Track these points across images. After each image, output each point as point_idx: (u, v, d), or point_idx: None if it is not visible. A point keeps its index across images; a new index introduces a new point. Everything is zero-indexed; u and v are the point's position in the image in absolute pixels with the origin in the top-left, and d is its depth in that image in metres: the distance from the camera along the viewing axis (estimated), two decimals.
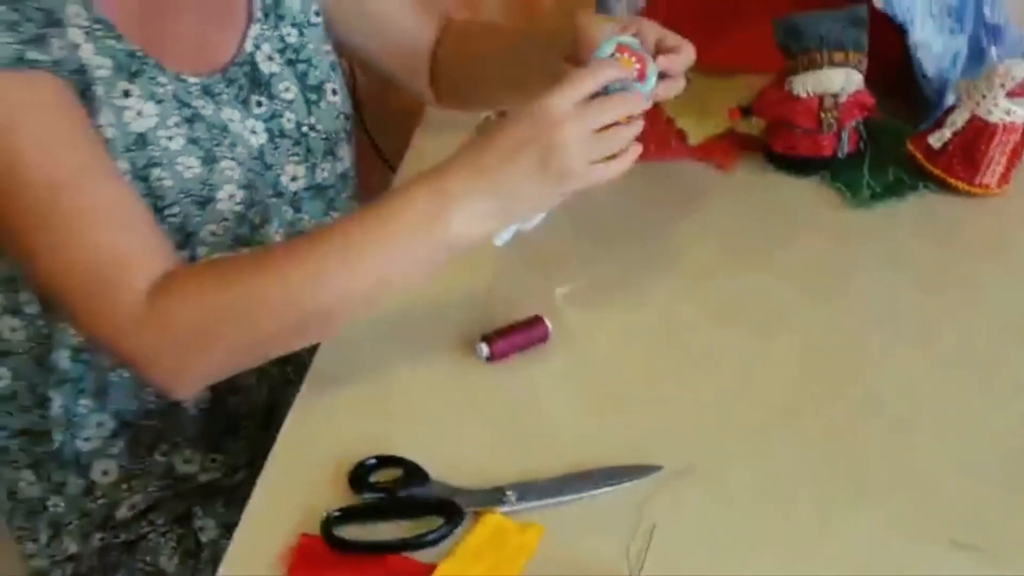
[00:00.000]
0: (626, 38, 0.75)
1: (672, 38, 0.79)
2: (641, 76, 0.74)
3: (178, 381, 0.72)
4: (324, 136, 0.90)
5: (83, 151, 0.72)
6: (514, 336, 0.77)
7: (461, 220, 0.69)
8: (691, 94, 1.13)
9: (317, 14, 0.91)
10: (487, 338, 0.76)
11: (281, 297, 0.69)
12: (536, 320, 0.78)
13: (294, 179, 0.88)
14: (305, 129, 0.88)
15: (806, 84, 0.94)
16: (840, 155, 0.97)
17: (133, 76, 0.76)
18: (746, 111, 1.00)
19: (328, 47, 0.93)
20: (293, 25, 0.89)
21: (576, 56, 0.79)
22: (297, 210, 0.89)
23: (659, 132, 1.06)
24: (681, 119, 1.08)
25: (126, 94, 0.76)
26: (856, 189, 0.95)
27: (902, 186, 0.96)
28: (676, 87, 0.80)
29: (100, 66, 0.74)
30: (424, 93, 1.02)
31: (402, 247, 0.69)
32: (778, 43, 0.96)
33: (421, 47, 1.00)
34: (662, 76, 0.77)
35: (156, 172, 0.77)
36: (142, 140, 0.76)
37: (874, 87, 0.97)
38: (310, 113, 0.89)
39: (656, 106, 1.09)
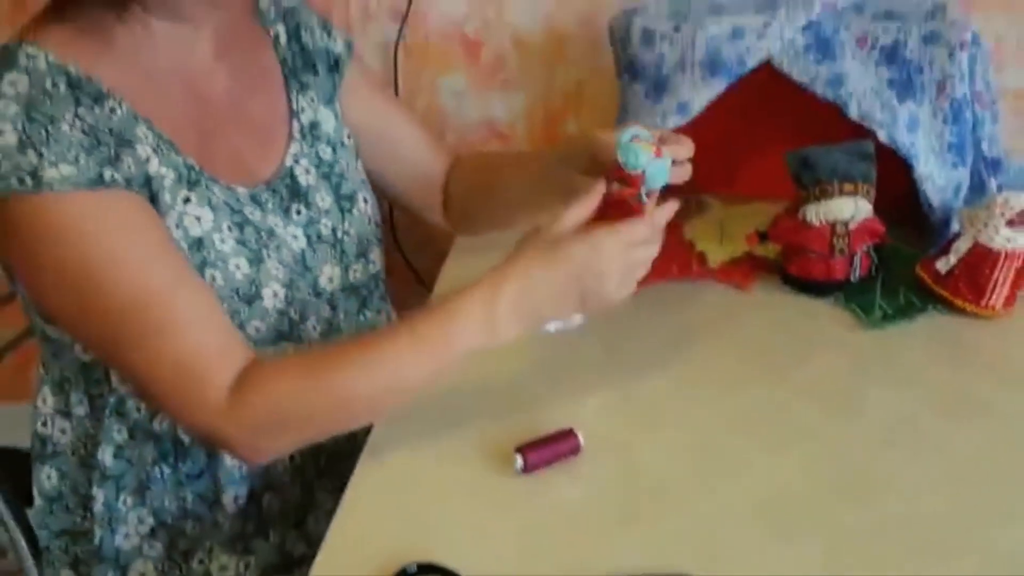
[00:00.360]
0: (640, 130, 0.84)
1: (671, 135, 0.91)
2: (658, 153, 0.83)
3: (257, 457, 0.85)
4: (356, 240, 0.98)
5: (169, 261, 0.81)
6: (548, 448, 0.81)
7: (504, 332, 0.81)
8: (712, 220, 1.21)
9: (348, 137, 1.01)
10: (522, 450, 0.81)
11: (360, 392, 0.81)
12: (569, 433, 0.82)
13: (331, 280, 0.95)
14: (340, 234, 0.96)
15: (818, 212, 1.01)
16: (853, 279, 1.03)
17: (192, 186, 0.85)
18: (763, 236, 1.06)
19: (359, 164, 1.02)
20: (328, 144, 0.99)
21: (593, 167, 0.88)
22: (333, 308, 0.96)
23: (682, 255, 1.13)
24: (702, 243, 1.15)
25: (186, 201, 0.84)
26: (868, 310, 1.01)
27: (912, 308, 1.01)
28: (685, 173, 0.92)
29: (165, 176, 0.83)
30: (439, 221, 1.11)
31: (456, 349, 0.80)
32: (791, 174, 1.03)
33: (434, 179, 1.09)
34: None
35: (210, 272, 0.85)
36: (199, 243, 0.85)
37: (885, 215, 1.04)
38: (344, 220, 0.97)
39: (679, 230, 1.17)
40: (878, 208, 1.04)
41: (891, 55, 1.03)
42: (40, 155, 0.75)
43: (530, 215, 0.99)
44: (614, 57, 1.16)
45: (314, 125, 0.98)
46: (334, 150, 0.99)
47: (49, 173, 0.75)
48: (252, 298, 0.87)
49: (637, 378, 0.93)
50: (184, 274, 0.82)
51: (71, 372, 0.91)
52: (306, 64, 0.99)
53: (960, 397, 0.89)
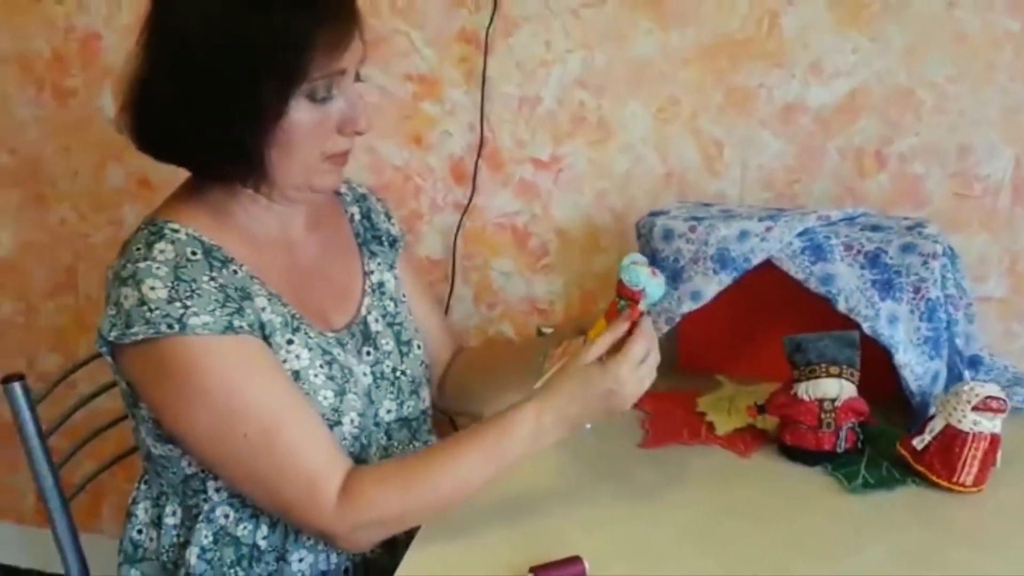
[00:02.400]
0: (638, 256, 1.08)
1: None
2: (654, 273, 1.06)
3: (357, 549, 1.05)
4: (411, 379, 1.17)
5: (284, 390, 1.00)
6: (557, 571, 0.95)
7: (547, 440, 1.02)
8: (723, 396, 1.37)
9: (404, 296, 1.23)
10: (535, 570, 0.94)
11: (441, 493, 1.00)
12: (576, 560, 0.96)
13: (388, 412, 1.14)
14: (398, 373, 1.16)
15: (808, 390, 1.16)
16: (839, 450, 1.16)
17: (294, 331, 1.05)
18: (761, 409, 1.21)
19: (410, 318, 1.23)
20: (390, 299, 1.20)
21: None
22: (389, 438, 1.15)
23: (693, 423, 1.28)
24: (711, 414, 1.30)
25: (289, 342, 1.04)
26: (852, 478, 1.13)
27: (892, 480, 1.13)
28: None
29: (274, 322, 1.03)
30: (432, 397, 1.28)
31: (511, 456, 1.01)
32: (786, 356, 1.19)
33: (439, 359, 1.31)
34: None
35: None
36: (297, 375, 1.04)
37: (878, 395, 1.18)
38: (402, 361, 1.17)
39: (693, 403, 1.33)
40: (873, 389, 1.18)
41: (874, 260, 1.20)
42: (185, 307, 0.96)
43: (517, 392, 1.17)
44: (639, 249, 1.36)
45: (380, 284, 1.20)
46: (395, 304, 1.20)
47: (192, 320, 0.96)
48: (334, 424, 1.05)
49: (641, 520, 1.07)
50: (300, 400, 1.01)
51: (170, 486, 1.09)
52: (375, 238, 1.23)
53: (930, 559, 1.00)
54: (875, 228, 1.26)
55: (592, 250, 1.58)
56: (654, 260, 1.31)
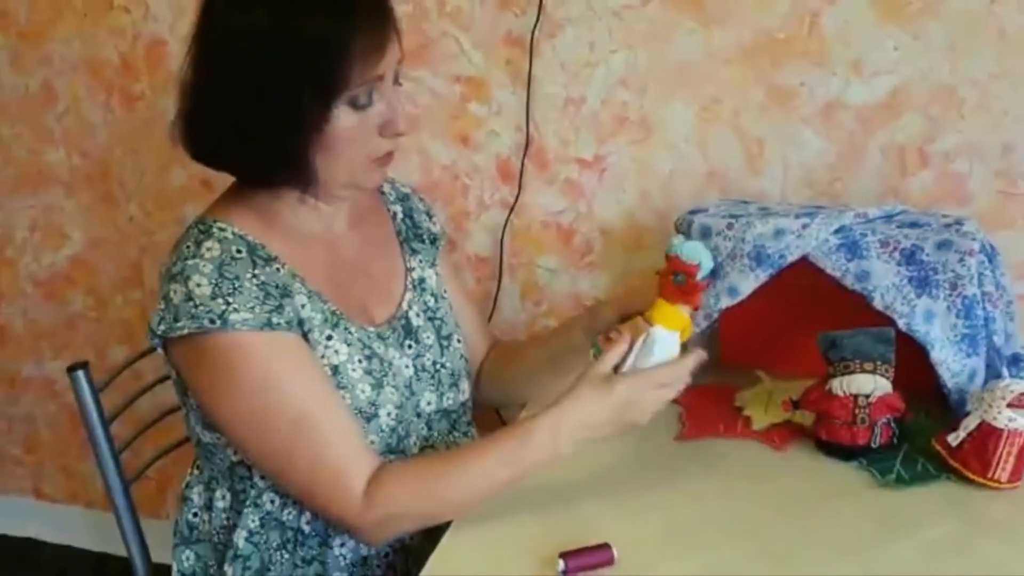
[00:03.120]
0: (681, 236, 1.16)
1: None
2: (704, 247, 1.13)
3: (380, 543, 1.10)
4: (451, 372, 1.22)
5: (317, 386, 1.05)
6: (586, 557, 0.98)
7: (564, 449, 1.05)
8: (762, 391, 1.38)
9: (445, 292, 1.28)
10: (564, 555, 0.98)
11: (459, 494, 1.03)
12: (605, 547, 0.99)
13: (429, 403, 1.18)
14: (438, 366, 1.20)
15: (842, 385, 1.17)
16: (874, 445, 1.17)
17: (334, 326, 1.10)
18: (796, 404, 1.23)
19: (450, 312, 1.27)
20: (431, 295, 1.24)
21: (592, 325, 1.23)
22: (430, 428, 1.19)
23: (730, 417, 1.30)
24: (748, 408, 1.32)
25: (329, 338, 1.09)
26: (886, 473, 1.14)
27: (927, 475, 1.14)
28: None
29: (314, 319, 1.08)
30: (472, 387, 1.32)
31: (528, 462, 1.04)
32: (820, 352, 1.21)
33: (476, 353, 1.34)
34: None
35: (342, 393, 1.08)
36: (335, 369, 1.08)
37: (913, 391, 1.19)
38: (442, 354, 1.21)
39: (731, 397, 1.35)
40: (911, 385, 1.19)
41: (910, 257, 1.21)
42: (227, 303, 1.01)
43: (548, 377, 1.28)
44: None
45: (421, 280, 1.24)
46: (436, 300, 1.24)
47: (233, 317, 1.01)
48: (371, 417, 1.10)
49: (673, 509, 1.09)
50: (333, 396, 1.06)
51: (219, 472, 1.15)
52: (416, 236, 1.27)
53: (964, 555, 1.01)
54: (912, 225, 1.26)
55: (635, 248, 1.61)
56: None
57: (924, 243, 1.21)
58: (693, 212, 1.37)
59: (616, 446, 1.24)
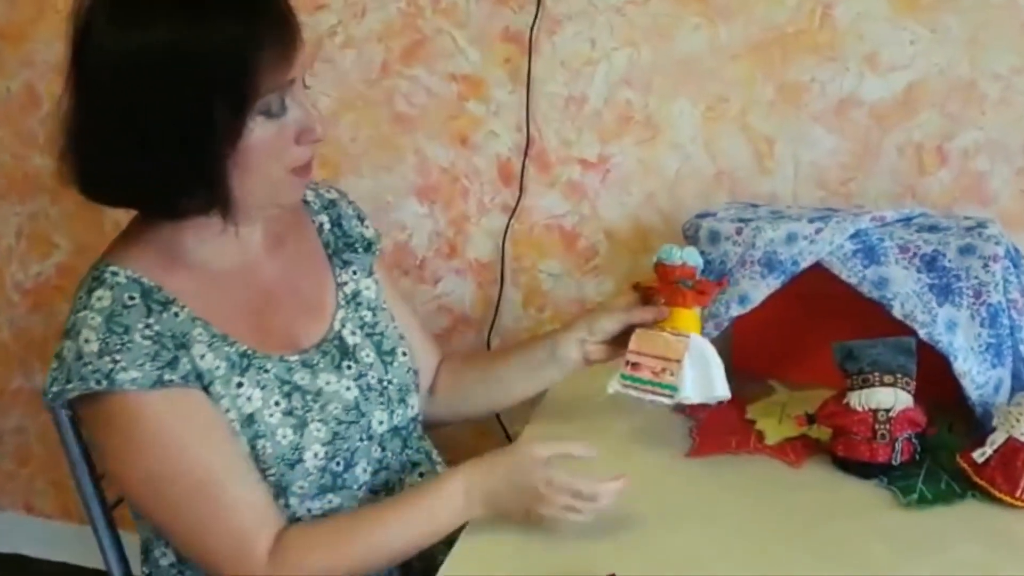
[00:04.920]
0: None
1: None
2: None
3: None
4: (398, 387, 1.15)
5: (219, 447, 0.99)
6: None
7: (476, 513, 1.01)
8: (775, 403, 1.33)
9: (385, 303, 1.20)
10: None
11: (371, 557, 1.00)
12: None
13: (380, 423, 1.12)
14: (385, 383, 1.13)
15: (860, 399, 1.12)
16: (895, 462, 1.12)
17: (243, 371, 1.02)
18: (811, 418, 1.17)
19: (395, 324, 1.20)
20: (368, 309, 1.17)
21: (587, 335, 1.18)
22: (383, 448, 1.13)
23: (742, 431, 1.25)
24: (762, 422, 1.26)
25: (239, 385, 1.02)
26: (908, 492, 1.09)
27: (952, 494, 1.08)
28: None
29: (217, 368, 1.01)
30: (421, 401, 1.23)
31: (439, 524, 1.01)
32: (836, 363, 1.15)
33: (424, 366, 1.25)
34: None
35: (261, 443, 1.02)
36: (250, 418, 1.02)
37: (935, 404, 1.13)
38: (387, 371, 1.14)
39: (742, 409, 1.29)
40: (934, 397, 1.13)
41: (931, 263, 1.15)
42: (115, 361, 0.94)
43: (525, 389, 1.23)
44: None
45: (356, 294, 1.17)
46: (374, 313, 1.17)
47: (120, 376, 0.94)
48: (295, 462, 1.03)
49: (684, 534, 1.04)
50: (235, 457, 1.00)
51: (152, 531, 1.09)
52: (348, 245, 1.19)
53: None
54: (932, 229, 1.21)
55: (641, 251, 1.55)
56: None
57: (946, 248, 1.15)
58: (701, 216, 1.31)
59: (624, 465, 1.18)
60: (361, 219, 1.24)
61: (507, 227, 1.59)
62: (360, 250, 1.21)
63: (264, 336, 1.06)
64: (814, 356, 1.34)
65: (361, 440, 1.09)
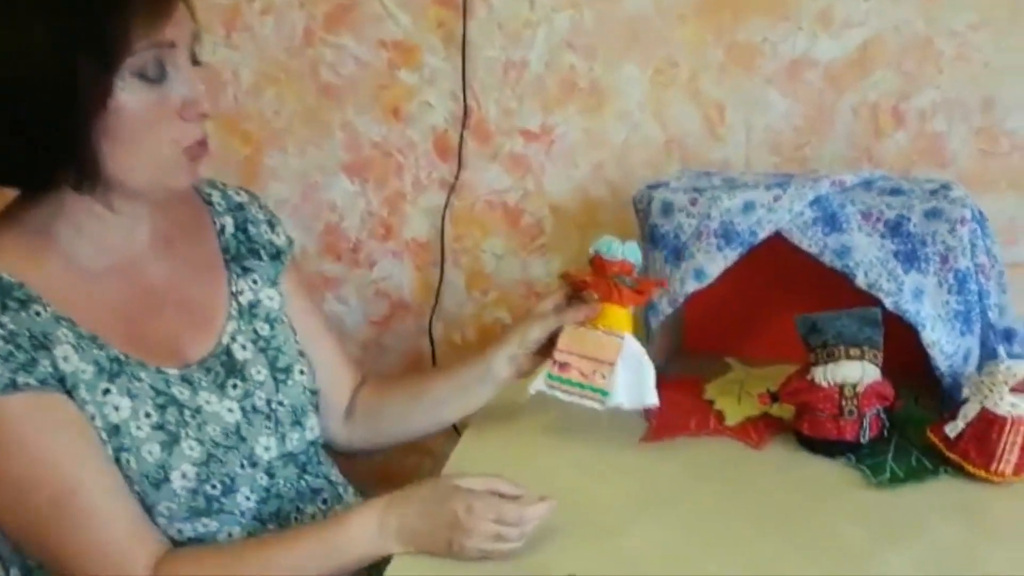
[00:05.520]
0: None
1: None
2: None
3: None
4: (291, 409, 1.05)
5: (83, 456, 0.89)
6: None
7: (391, 547, 0.92)
8: (733, 381, 1.26)
9: (285, 316, 1.10)
10: None
11: None
12: None
13: (267, 449, 1.02)
14: (274, 405, 1.03)
15: (825, 374, 1.05)
16: (863, 440, 1.05)
17: (113, 377, 0.92)
18: (774, 396, 1.10)
19: (296, 339, 1.10)
20: (265, 321, 1.07)
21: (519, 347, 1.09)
22: (271, 476, 1.02)
23: (701, 412, 1.18)
24: (721, 402, 1.19)
25: (106, 392, 0.92)
26: (878, 471, 1.03)
27: (923, 471, 1.03)
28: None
29: (83, 372, 0.91)
30: (332, 429, 1.15)
31: (348, 556, 0.92)
32: (800, 337, 1.08)
33: (339, 390, 1.15)
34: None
35: (125, 456, 0.92)
36: (116, 429, 0.92)
37: (900, 377, 1.07)
38: (278, 391, 1.04)
39: (699, 389, 1.22)
40: (899, 370, 1.07)
41: (895, 229, 1.09)
42: None
43: (456, 411, 1.14)
44: (638, 225, 1.25)
45: (253, 304, 1.07)
46: (272, 326, 1.07)
47: None
48: (160, 482, 0.93)
49: (643, 524, 0.96)
50: (106, 467, 0.90)
51: (5, 548, 0.98)
52: (251, 251, 1.09)
53: (967, 562, 0.90)
54: (895, 192, 1.14)
55: (590, 226, 1.46)
56: (653, 236, 1.20)
57: (910, 212, 1.09)
58: (652, 187, 1.23)
59: (576, 453, 1.11)
60: (272, 225, 1.14)
61: (446, 205, 1.50)
62: (266, 258, 1.11)
63: (140, 343, 0.96)
64: (773, 331, 1.28)
65: (242, 467, 1.00)
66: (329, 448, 1.15)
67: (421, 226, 1.53)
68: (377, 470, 1.21)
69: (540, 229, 1.49)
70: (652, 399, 1.06)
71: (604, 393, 1.04)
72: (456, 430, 1.40)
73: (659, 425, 1.15)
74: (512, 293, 1.53)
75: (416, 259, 1.55)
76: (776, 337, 1.24)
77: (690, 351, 1.35)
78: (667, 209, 1.18)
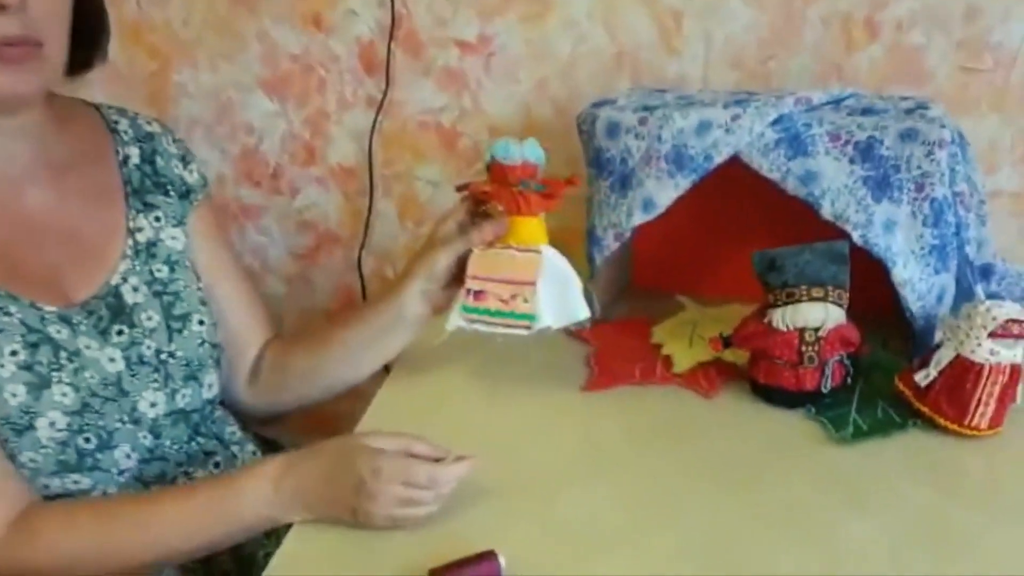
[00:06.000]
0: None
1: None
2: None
3: None
4: (185, 362, 0.93)
5: None
6: (463, 572, 0.74)
7: (287, 515, 0.81)
8: (684, 322, 1.15)
9: (188, 261, 0.98)
10: (435, 572, 0.73)
11: (127, 551, 0.80)
12: (489, 555, 0.75)
13: (153, 405, 0.90)
14: (164, 356, 0.91)
15: (784, 317, 0.94)
16: (824, 389, 0.95)
17: None
18: (727, 341, 0.99)
19: (199, 286, 0.98)
20: (165, 263, 0.95)
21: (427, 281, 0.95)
22: (157, 436, 0.91)
23: (647, 357, 1.06)
24: (669, 346, 1.08)
25: None
26: (841, 425, 0.92)
27: (890, 424, 0.92)
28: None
29: None
30: (236, 390, 1.03)
31: (238, 522, 0.81)
32: (757, 275, 0.96)
33: (246, 347, 1.03)
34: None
35: None
36: None
37: (866, 317, 0.97)
38: (171, 341, 0.92)
39: (646, 332, 1.11)
40: (864, 309, 0.97)
41: (866, 152, 0.97)
42: None
43: (373, 362, 1.01)
44: (582, 148, 1.12)
45: (152, 244, 0.95)
46: (172, 269, 0.95)
47: None
48: (23, 429, 0.82)
49: (578, 488, 0.85)
50: None
51: None
52: (157, 186, 0.98)
53: (939, 526, 0.80)
54: (867, 112, 1.02)
55: None
56: (598, 161, 1.07)
57: (883, 134, 0.96)
58: (597, 104, 1.10)
59: (508, 401, 1.00)
60: (185, 161, 1.02)
61: (374, 126, 1.35)
62: (174, 195, 0.98)
63: (13, 275, 0.84)
64: (730, 267, 1.17)
65: (122, 422, 0.88)
66: (236, 411, 1.03)
67: (347, 150, 1.39)
68: (308, 417, 1.08)
69: (479, 153, 1.35)
70: (582, 312, 0.94)
71: (530, 318, 0.92)
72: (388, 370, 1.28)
73: (602, 372, 1.04)
74: None
75: (343, 186, 1.41)
76: (733, 273, 1.13)
77: (638, 289, 1.23)
78: (613, 130, 1.05)
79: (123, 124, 0.99)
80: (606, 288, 1.16)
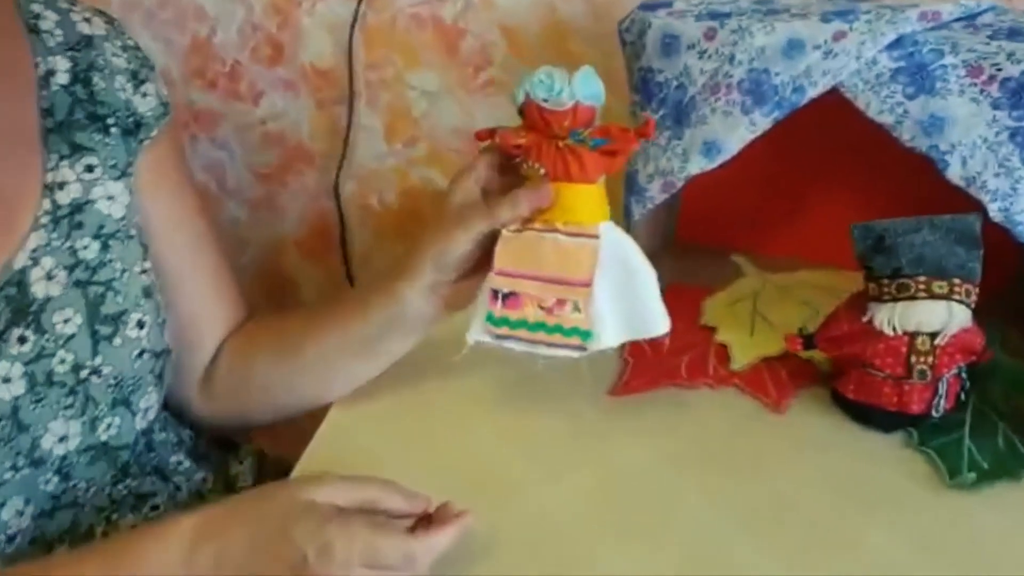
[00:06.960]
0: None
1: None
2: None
3: None
4: (115, 381, 0.68)
5: None
6: None
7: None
8: (740, 293, 0.92)
9: (136, 229, 0.71)
10: None
11: None
12: None
13: (62, 439, 0.66)
14: (85, 373, 0.66)
15: (893, 318, 0.70)
16: (936, 413, 0.72)
17: None
18: (809, 340, 0.75)
19: (145, 266, 0.71)
20: (96, 237, 0.68)
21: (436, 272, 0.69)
22: (66, 478, 0.67)
23: (697, 347, 0.83)
24: (727, 332, 0.84)
25: None
26: (953, 458, 0.70)
27: (1017, 459, 0.70)
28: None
29: None
30: (186, 396, 0.80)
31: None
32: (857, 256, 0.72)
33: (204, 331, 0.79)
34: None
35: None
36: None
37: (984, 306, 0.73)
38: (95, 352, 0.67)
39: (697, 310, 0.88)
40: (984, 293, 0.73)
41: (1016, 95, 0.71)
42: None
43: (359, 372, 0.76)
44: (626, 66, 0.86)
45: (78, 206, 0.68)
46: (104, 246, 0.69)
47: None
48: None
49: (601, 548, 0.63)
50: None
51: None
52: (92, 118, 0.70)
53: None
54: (1014, 35, 0.75)
55: (558, 56, 1.05)
56: (646, 86, 0.81)
57: None
58: (647, 7, 0.83)
59: (506, 418, 0.76)
60: (138, 79, 0.74)
61: (355, 17, 1.08)
62: (116, 131, 0.71)
63: None
64: (798, 224, 0.94)
65: (14, 469, 0.64)
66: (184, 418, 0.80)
67: (322, 46, 1.12)
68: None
69: (487, 58, 1.09)
70: (660, 323, 0.68)
71: (583, 334, 0.67)
72: None
73: (636, 371, 0.80)
74: (447, 147, 1.14)
75: (317, 92, 1.15)
76: (803, 232, 0.89)
77: (685, 246, 0.99)
78: (669, 45, 0.79)
79: (48, 22, 0.71)
80: (645, 244, 0.91)
